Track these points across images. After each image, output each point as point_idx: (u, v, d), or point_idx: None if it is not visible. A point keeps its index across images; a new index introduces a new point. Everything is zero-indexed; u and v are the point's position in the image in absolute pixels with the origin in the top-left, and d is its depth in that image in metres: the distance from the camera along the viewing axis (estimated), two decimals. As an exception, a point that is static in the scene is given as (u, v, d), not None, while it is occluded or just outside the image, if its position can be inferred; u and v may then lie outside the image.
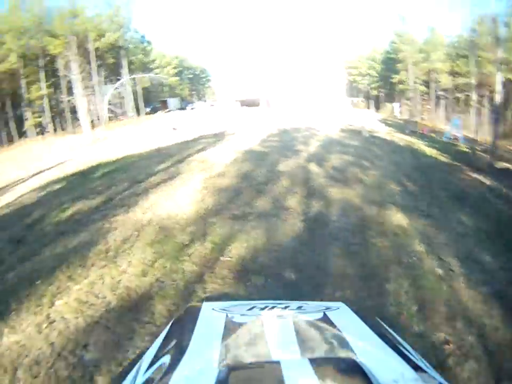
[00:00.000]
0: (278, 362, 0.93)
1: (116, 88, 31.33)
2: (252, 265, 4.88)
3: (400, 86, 48.04)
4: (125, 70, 42.22)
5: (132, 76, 37.50)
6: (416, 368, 1.00)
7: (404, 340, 1.38)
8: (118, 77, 40.07)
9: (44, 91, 37.63)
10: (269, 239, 5.68)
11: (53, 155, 20.47)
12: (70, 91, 36.96)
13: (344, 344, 1.05)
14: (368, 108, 53.58)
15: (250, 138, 17.03)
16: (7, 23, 36.25)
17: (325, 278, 4.62)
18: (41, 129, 39.51)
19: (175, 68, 54.73)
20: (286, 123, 24.10)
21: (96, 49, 38.66)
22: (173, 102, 54.07)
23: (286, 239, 5.74)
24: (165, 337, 1.36)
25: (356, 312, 1.45)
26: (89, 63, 34.80)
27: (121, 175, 11.00)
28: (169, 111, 48.52)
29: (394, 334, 1.38)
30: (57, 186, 11.23)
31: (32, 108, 39.10)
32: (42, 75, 38.24)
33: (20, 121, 40.69)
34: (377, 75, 54.87)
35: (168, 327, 1.50)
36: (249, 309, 1.41)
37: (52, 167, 15.54)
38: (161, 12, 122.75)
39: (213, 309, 1.45)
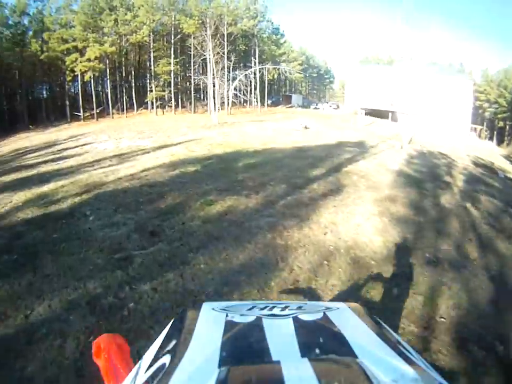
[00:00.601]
0: (278, 362, 0.89)
1: (246, 75, 30.46)
2: (466, 332, 4.04)
3: (530, 122, 42.46)
4: (255, 59, 42.02)
5: (266, 66, 36.95)
6: (416, 368, 0.95)
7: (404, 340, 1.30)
8: (248, 64, 39.88)
9: (172, 67, 38.67)
10: (470, 298, 4.82)
11: (176, 130, 20.05)
12: (196, 71, 37.69)
13: (344, 344, 1.01)
14: (492, 139, 48.62)
15: (394, 156, 15.27)
16: (141, -3, 38.35)
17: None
18: (162, 103, 40.90)
19: (300, 64, 53.73)
20: (418, 143, 21.38)
21: (229, 34, 38.79)
22: (296, 98, 53.46)
23: (484, 301, 4.82)
24: (165, 337, 1.28)
25: (356, 312, 1.37)
26: (222, 46, 34.74)
27: (273, 172, 9.62)
28: (291, 106, 47.75)
29: (394, 334, 1.29)
30: (191, 168, 9.81)
31: (157, 81, 40.83)
32: (171, 51, 39.70)
33: (142, 92, 42.94)
34: (506, 105, 50.16)
35: (168, 327, 1.38)
36: (249, 309, 1.36)
37: (178, 143, 14.48)
38: (295, 5, 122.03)
39: (213, 309, 1.38)
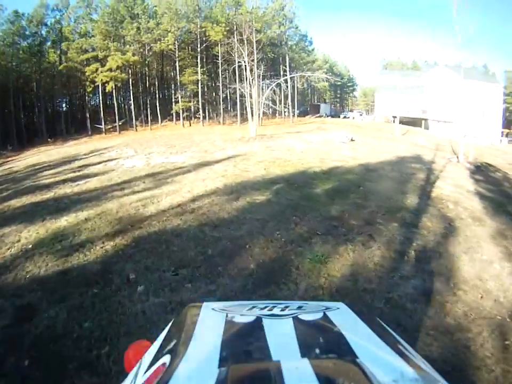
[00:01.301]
0: (278, 362, 0.90)
1: (279, 84, 28.60)
2: None
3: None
4: (285, 67, 40.19)
5: (299, 74, 35.45)
6: (416, 368, 0.96)
7: (404, 340, 1.25)
8: (274, 73, 38.13)
9: (199, 76, 37.08)
10: None
11: (211, 144, 18.02)
12: (223, 81, 36.22)
13: (344, 344, 1.02)
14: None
15: (458, 173, 13.86)
16: (164, 4, 37.31)
17: None
18: (188, 114, 39.40)
19: (325, 72, 51.86)
20: (469, 154, 19.18)
21: (257, 41, 37.07)
22: (324, 108, 52.45)
23: None
24: (165, 337, 1.30)
25: (356, 312, 1.39)
26: (252, 53, 33.04)
27: (365, 202, 7.84)
28: (320, 116, 46.20)
29: (394, 334, 1.30)
30: (259, 196, 7.69)
31: (183, 91, 39.48)
32: (197, 60, 38.07)
33: (166, 103, 41.37)
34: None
35: (168, 327, 1.41)
36: (249, 309, 1.39)
37: (221, 160, 12.36)
38: (314, 11, 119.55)
39: (213, 309, 1.41)
